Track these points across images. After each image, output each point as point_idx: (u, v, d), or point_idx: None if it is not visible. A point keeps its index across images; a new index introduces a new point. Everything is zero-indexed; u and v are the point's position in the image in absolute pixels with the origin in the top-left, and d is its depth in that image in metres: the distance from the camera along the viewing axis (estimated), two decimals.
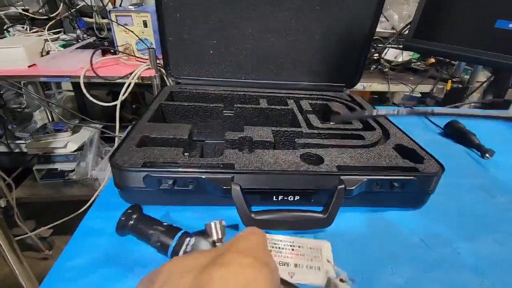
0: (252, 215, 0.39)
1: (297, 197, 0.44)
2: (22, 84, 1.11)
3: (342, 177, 0.42)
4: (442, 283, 0.36)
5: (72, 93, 1.74)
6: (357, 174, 0.43)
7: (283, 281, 0.25)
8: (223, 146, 0.51)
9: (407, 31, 1.12)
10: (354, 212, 0.46)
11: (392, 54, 1.48)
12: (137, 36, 1.08)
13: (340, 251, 0.39)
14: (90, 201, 1.23)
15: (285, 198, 0.44)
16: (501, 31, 0.78)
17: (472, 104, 1.42)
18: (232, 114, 0.64)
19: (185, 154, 0.46)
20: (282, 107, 0.65)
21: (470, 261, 0.39)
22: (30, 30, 1.30)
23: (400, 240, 0.42)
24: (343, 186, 0.41)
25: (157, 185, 0.41)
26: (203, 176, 0.40)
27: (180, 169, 0.41)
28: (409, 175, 0.43)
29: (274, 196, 0.44)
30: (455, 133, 0.72)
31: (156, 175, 0.40)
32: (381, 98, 1.86)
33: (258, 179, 0.42)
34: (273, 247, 0.38)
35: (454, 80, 1.37)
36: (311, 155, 0.48)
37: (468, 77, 1.38)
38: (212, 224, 0.31)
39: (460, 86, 1.37)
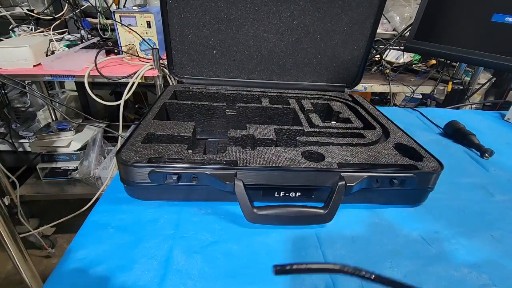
0: (255, 210, 0.40)
1: (298, 193, 0.45)
2: (26, 83, 1.13)
3: (342, 173, 0.43)
4: (440, 278, 0.37)
5: (76, 93, 1.76)
6: (357, 171, 0.43)
7: None
8: (226, 144, 0.52)
9: (408, 33, 1.13)
10: (354, 208, 0.47)
11: (393, 55, 1.48)
12: (141, 37, 1.10)
13: (340, 246, 0.40)
14: (93, 200, 1.24)
15: (287, 194, 0.45)
16: (498, 25, 0.79)
17: (473, 105, 1.43)
18: (235, 113, 0.65)
19: (188, 151, 0.47)
20: (284, 106, 0.66)
21: (469, 257, 0.40)
22: (35, 30, 1.32)
23: (399, 236, 0.43)
24: (343, 182, 0.42)
25: (162, 180, 0.42)
26: (207, 172, 0.41)
27: (185, 165, 0.42)
28: (409, 172, 0.44)
29: (276, 192, 0.45)
30: (455, 133, 0.72)
31: (161, 170, 0.41)
32: (382, 99, 1.87)
33: (260, 175, 0.43)
34: None
35: (455, 81, 1.38)
36: (312, 153, 0.49)
37: (469, 78, 1.38)
38: None
39: (461, 87, 1.37)
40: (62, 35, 1.32)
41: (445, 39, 0.96)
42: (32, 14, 1.33)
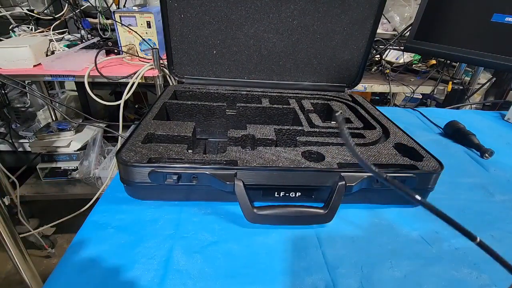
0: (255, 210, 0.40)
1: (298, 193, 0.45)
2: (26, 83, 1.13)
3: (342, 173, 0.43)
4: (440, 278, 0.37)
5: (75, 93, 1.76)
6: (357, 171, 0.43)
7: None
8: (226, 144, 0.52)
9: (408, 33, 1.13)
10: (354, 208, 0.47)
11: (393, 55, 1.48)
12: (141, 37, 1.10)
13: (340, 246, 0.40)
14: (93, 200, 1.24)
15: (287, 194, 0.45)
16: (498, 25, 0.79)
17: (473, 105, 1.43)
18: (235, 113, 0.65)
19: (188, 151, 0.47)
20: (284, 106, 0.66)
21: (468, 257, 0.40)
22: (35, 30, 1.32)
23: (399, 236, 0.43)
24: (343, 182, 0.42)
25: (162, 180, 0.42)
26: (207, 172, 0.41)
27: (185, 165, 0.42)
28: (409, 172, 0.44)
29: (276, 192, 0.45)
30: (455, 133, 0.72)
31: (161, 170, 0.41)
32: (382, 99, 1.87)
33: (260, 175, 0.43)
34: None
35: (455, 81, 1.38)
36: (312, 153, 0.49)
37: (469, 78, 1.38)
38: None
39: (461, 87, 1.37)
40: (62, 35, 1.32)
41: (445, 39, 0.96)
42: (32, 14, 1.33)
